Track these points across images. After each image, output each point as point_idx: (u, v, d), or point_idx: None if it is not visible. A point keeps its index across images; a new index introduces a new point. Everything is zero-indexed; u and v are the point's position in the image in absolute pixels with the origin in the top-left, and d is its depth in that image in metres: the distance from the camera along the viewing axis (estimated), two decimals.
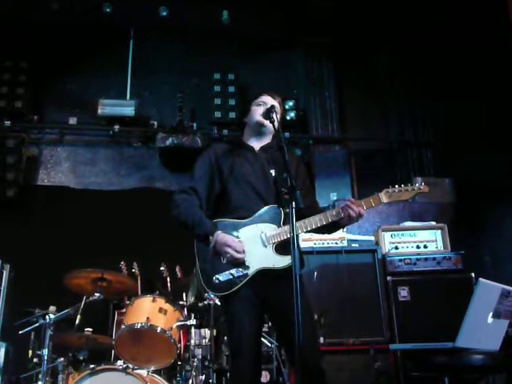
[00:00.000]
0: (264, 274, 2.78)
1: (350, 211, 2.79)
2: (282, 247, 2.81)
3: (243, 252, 2.78)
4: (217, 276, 2.75)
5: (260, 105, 3.11)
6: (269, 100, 3.12)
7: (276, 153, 3.03)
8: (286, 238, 2.79)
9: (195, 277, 2.91)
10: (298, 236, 2.86)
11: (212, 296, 4.17)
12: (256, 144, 3.14)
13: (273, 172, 3.00)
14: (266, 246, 2.82)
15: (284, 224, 2.84)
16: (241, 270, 2.76)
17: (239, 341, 2.75)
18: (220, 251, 2.78)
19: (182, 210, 2.92)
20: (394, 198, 2.86)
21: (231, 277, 2.75)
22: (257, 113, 3.09)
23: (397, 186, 2.88)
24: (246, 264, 2.78)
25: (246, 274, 2.76)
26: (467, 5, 5.87)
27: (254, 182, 2.97)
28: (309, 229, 2.83)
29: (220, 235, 2.79)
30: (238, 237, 2.84)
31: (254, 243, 2.83)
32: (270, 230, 2.84)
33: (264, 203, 2.92)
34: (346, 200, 2.85)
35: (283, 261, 2.76)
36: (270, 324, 4.38)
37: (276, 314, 2.89)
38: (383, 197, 2.86)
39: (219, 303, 4.27)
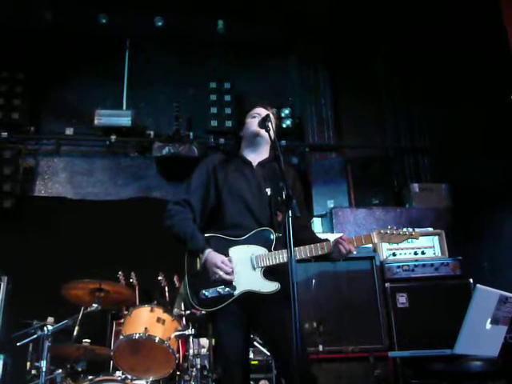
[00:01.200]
0: (250, 295, 2.80)
1: (340, 247, 2.84)
2: (270, 272, 2.82)
3: (232, 273, 2.79)
4: (204, 292, 2.78)
5: (255, 117, 3.12)
6: (262, 111, 3.13)
7: (273, 168, 3.02)
8: (274, 263, 2.81)
9: (183, 289, 2.93)
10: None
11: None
12: (254, 158, 3.12)
13: (268, 191, 2.99)
14: (254, 269, 2.83)
15: (275, 249, 2.84)
16: (227, 289, 2.78)
17: (227, 357, 2.77)
18: (209, 269, 2.79)
19: (175, 222, 2.93)
20: (385, 239, 2.92)
21: (218, 294, 2.77)
22: (252, 124, 3.09)
23: (389, 228, 2.93)
24: (234, 284, 2.80)
25: (232, 294, 2.78)
26: (462, 11, 5.91)
27: (249, 200, 2.96)
28: (297, 258, 2.82)
29: (210, 254, 2.80)
30: (228, 255, 2.85)
31: (244, 264, 2.84)
32: (260, 254, 2.85)
33: (257, 223, 2.92)
34: (339, 237, 2.88)
35: (270, 286, 2.78)
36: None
37: (263, 329, 2.90)
38: (375, 237, 2.91)
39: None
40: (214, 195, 3.01)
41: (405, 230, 2.94)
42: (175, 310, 4.54)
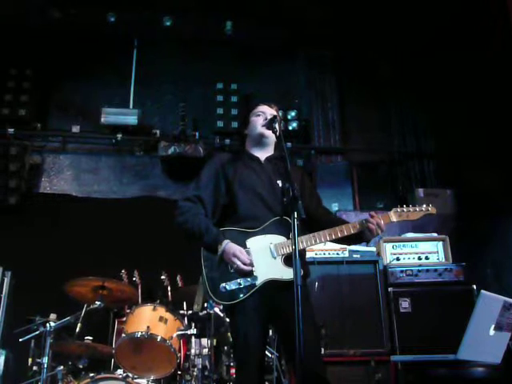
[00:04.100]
0: (272, 284, 2.77)
1: (369, 224, 2.83)
2: (291, 259, 2.76)
3: (250, 264, 2.77)
4: (223, 285, 2.74)
5: (259, 115, 3.13)
6: (266, 109, 3.14)
7: (280, 164, 3.05)
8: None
9: (201, 285, 2.89)
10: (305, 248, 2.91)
11: (213, 306, 4.18)
12: (261, 154, 3.14)
13: (279, 183, 3.00)
14: (274, 258, 2.81)
15: None
16: (249, 279, 2.74)
17: (245, 352, 2.72)
18: (227, 261, 2.76)
19: (188, 218, 2.89)
20: (402, 217, 2.94)
21: (239, 286, 2.74)
22: (257, 123, 3.10)
23: (405, 206, 2.95)
24: (254, 274, 2.76)
25: (254, 285, 2.75)
26: (469, 15, 5.90)
27: (263, 193, 2.96)
28: (329, 239, 2.86)
29: (228, 245, 2.77)
30: (246, 246, 2.83)
31: (263, 254, 2.82)
32: (279, 242, 2.84)
33: (272, 214, 2.91)
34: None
35: (292, 272, 2.71)
36: (270, 334, 4.35)
37: (282, 325, 2.85)
38: (392, 215, 2.94)
39: (220, 313, 4.28)
40: (226, 191, 2.99)
41: (422, 206, 2.96)
42: (195, 307, 4.53)
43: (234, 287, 2.74)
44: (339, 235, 2.86)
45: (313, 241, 2.85)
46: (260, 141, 3.13)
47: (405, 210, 2.94)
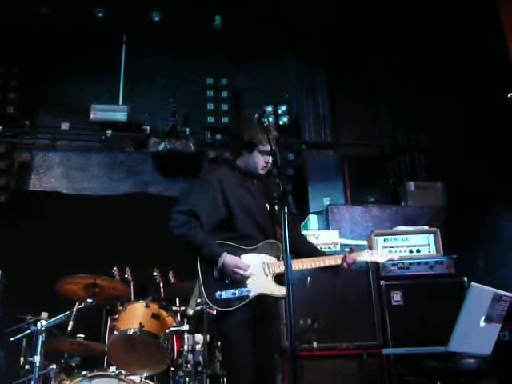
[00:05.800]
0: (261, 298, 3.00)
1: (346, 259, 3.18)
2: (280, 279, 3.00)
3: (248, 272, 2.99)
4: (219, 292, 2.94)
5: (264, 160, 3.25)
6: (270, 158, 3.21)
7: (265, 181, 3.32)
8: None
9: (198, 290, 3.05)
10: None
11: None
12: (251, 173, 3.30)
13: (267, 206, 3.23)
14: (266, 275, 3.06)
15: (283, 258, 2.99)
16: (243, 291, 2.96)
17: (244, 355, 2.90)
18: (228, 272, 2.95)
19: (185, 232, 3.03)
20: (373, 257, 3.35)
21: (233, 296, 2.93)
22: (259, 164, 3.23)
23: (374, 250, 3.48)
24: (248, 287, 2.97)
25: (247, 297, 2.95)
26: (460, 11, 5.91)
27: (256, 213, 3.17)
28: (303, 268, 3.14)
29: (228, 256, 2.97)
30: None
31: (256, 270, 3.04)
32: (270, 262, 3.09)
33: (263, 235, 3.14)
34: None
35: (281, 290, 2.95)
36: None
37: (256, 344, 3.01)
38: (365, 254, 3.32)
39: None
40: (224, 208, 3.14)
41: (386, 252, 3.41)
42: (189, 311, 4.53)
43: (229, 296, 2.94)
44: (322, 265, 3.17)
45: (300, 265, 3.12)
46: (255, 175, 3.29)
47: (374, 252, 3.35)
